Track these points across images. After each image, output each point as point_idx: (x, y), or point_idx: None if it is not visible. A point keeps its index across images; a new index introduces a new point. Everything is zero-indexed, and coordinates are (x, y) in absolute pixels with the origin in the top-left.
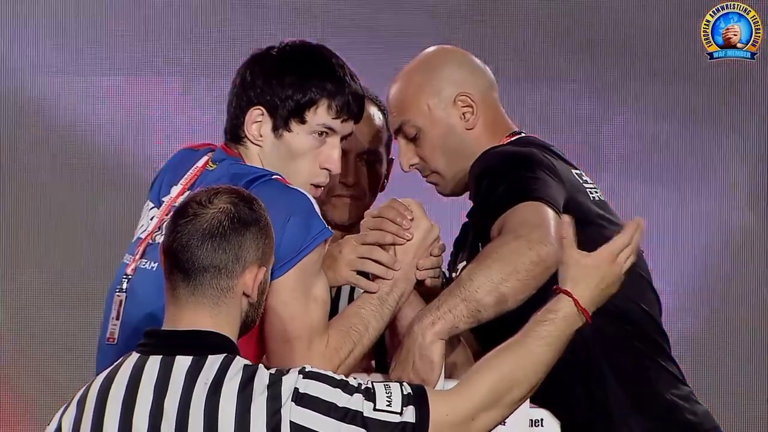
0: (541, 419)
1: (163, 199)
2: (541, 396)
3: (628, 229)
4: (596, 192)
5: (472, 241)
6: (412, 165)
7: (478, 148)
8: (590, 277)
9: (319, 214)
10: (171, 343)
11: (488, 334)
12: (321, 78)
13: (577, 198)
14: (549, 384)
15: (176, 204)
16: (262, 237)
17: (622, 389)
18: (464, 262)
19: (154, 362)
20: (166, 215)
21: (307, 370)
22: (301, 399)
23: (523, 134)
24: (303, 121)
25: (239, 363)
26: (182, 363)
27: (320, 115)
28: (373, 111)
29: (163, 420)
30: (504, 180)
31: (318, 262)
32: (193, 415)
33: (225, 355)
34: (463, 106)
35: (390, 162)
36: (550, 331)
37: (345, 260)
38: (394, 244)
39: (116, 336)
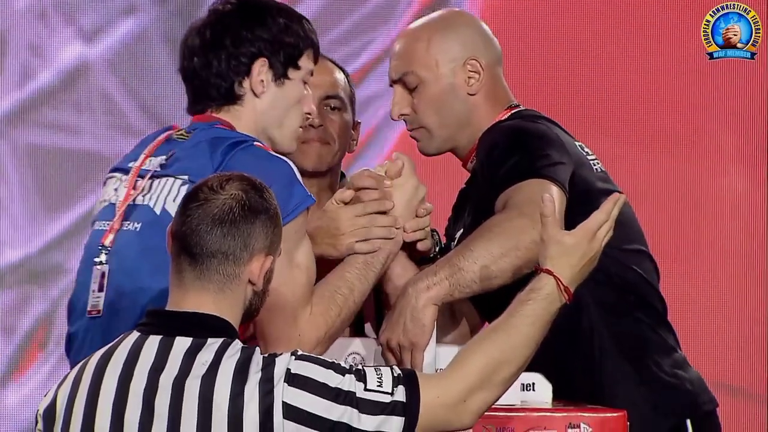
0: (533, 383)
1: (130, 165)
2: (544, 371)
3: (606, 206)
4: (598, 164)
5: (471, 210)
6: (403, 115)
7: (474, 116)
8: (571, 255)
9: (301, 181)
10: (172, 324)
11: (493, 306)
12: (298, 24)
13: (581, 173)
14: (549, 357)
15: (143, 168)
16: (271, 226)
17: (626, 362)
18: (461, 230)
19: (153, 342)
20: (138, 177)
21: (299, 353)
22: (293, 380)
23: (521, 107)
24: (298, 68)
25: (237, 345)
26: (181, 344)
27: (310, 59)
28: (331, 65)
29: (158, 397)
30: (514, 155)
31: (301, 229)
32: (188, 394)
33: (224, 338)
34: (471, 71)
35: (357, 124)
36: (534, 309)
37: (345, 233)
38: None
39: (101, 308)
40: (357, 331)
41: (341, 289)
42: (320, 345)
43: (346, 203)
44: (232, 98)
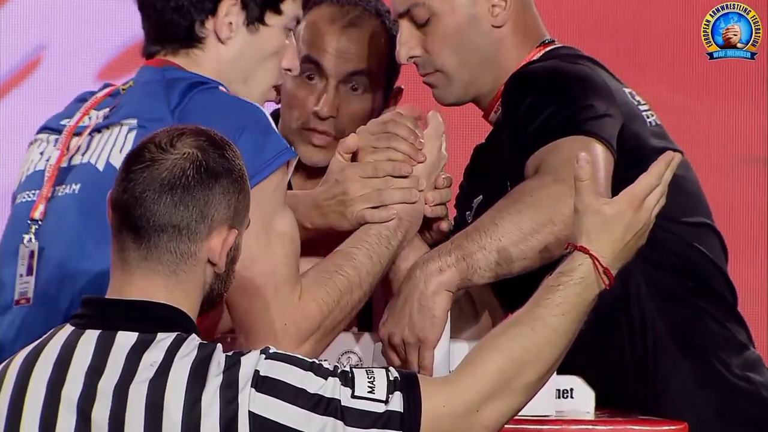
0: (571, 389)
1: (63, 123)
2: (584, 371)
3: (656, 167)
4: (652, 115)
5: (493, 172)
6: (413, 57)
7: (500, 53)
8: (612, 229)
9: (278, 132)
10: (113, 315)
11: (519, 295)
12: None
13: (632, 127)
14: (590, 356)
15: (81, 124)
16: (234, 191)
17: (686, 361)
18: (480, 197)
19: (90, 337)
20: (73, 135)
21: (271, 351)
22: (262, 384)
23: (556, 43)
24: (279, 12)
25: (193, 342)
26: (124, 340)
27: (297, 4)
28: (368, 21)
29: (95, 406)
30: (549, 105)
31: (279, 189)
32: (132, 402)
33: (177, 333)
34: None
35: (397, 93)
36: (566, 296)
37: (356, 198)
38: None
39: (30, 295)
40: (363, 324)
41: (344, 269)
42: (314, 339)
43: (353, 158)
44: (190, 39)
